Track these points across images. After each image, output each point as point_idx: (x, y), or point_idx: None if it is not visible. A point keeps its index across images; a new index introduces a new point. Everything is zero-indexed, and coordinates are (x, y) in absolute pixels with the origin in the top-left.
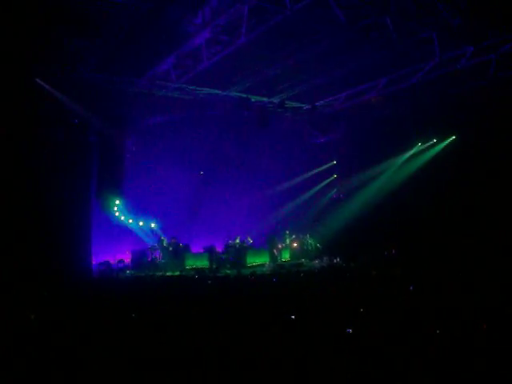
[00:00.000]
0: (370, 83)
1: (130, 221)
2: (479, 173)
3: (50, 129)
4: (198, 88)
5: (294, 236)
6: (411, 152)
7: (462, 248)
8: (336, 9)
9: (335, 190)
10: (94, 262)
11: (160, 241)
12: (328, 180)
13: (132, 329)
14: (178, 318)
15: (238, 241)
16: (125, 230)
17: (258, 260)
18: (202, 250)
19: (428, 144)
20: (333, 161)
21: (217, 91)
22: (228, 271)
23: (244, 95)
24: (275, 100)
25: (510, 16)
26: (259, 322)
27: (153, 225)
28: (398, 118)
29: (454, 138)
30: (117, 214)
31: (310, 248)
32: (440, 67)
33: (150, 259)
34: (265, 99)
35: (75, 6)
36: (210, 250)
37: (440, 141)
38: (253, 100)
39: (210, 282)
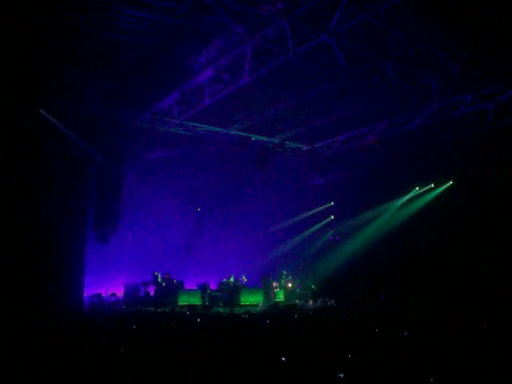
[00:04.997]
0: (369, 126)
1: None
2: (476, 219)
3: (50, 159)
4: (199, 125)
5: (289, 276)
6: (408, 196)
7: (457, 292)
8: (338, 53)
9: (332, 231)
10: (86, 294)
11: (154, 276)
12: (325, 221)
13: (120, 363)
14: (166, 355)
15: (232, 279)
16: (118, 263)
17: (251, 299)
18: (195, 287)
19: (425, 188)
20: (330, 202)
21: (218, 129)
22: (220, 309)
23: (244, 134)
24: (275, 140)
25: (508, 66)
26: (249, 364)
27: None
28: (396, 161)
29: (451, 183)
30: None
31: (304, 289)
32: (439, 113)
33: (142, 294)
34: (265, 138)
35: (82, 39)
36: (202, 288)
37: (437, 186)
38: (253, 139)
39: (199, 320)
